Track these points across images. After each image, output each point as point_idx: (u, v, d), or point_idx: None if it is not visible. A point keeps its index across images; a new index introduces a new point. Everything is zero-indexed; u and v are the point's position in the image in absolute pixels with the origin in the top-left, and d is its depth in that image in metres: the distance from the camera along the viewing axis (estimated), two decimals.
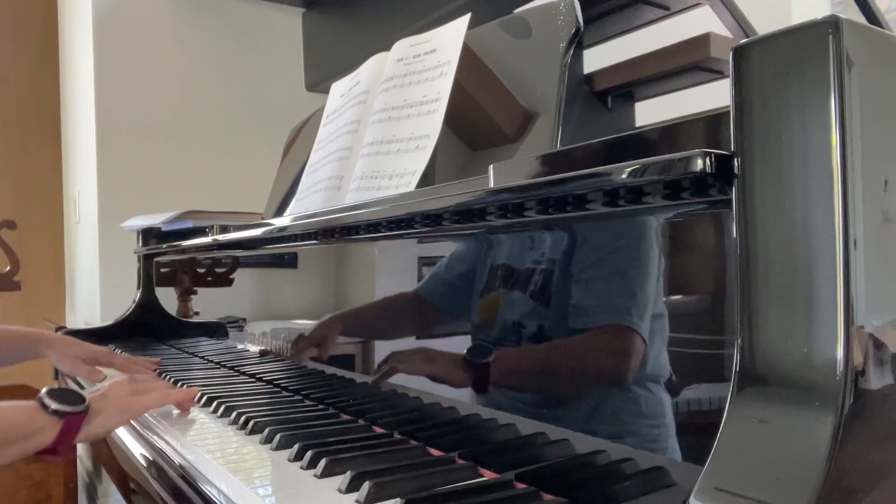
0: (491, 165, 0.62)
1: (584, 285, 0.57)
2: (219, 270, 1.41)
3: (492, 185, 0.61)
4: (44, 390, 0.78)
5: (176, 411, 0.90)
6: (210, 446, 0.75)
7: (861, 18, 1.09)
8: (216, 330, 1.41)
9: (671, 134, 0.48)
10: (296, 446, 0.69)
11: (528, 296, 0.62)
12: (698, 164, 0.42)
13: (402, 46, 0.99)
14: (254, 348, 1.21)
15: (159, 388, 0.90)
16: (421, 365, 0.77)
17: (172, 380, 1.12)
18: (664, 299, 0.50)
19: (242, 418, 0.82)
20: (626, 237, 0.53)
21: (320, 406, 0.91)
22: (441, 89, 0.88)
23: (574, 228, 0.58)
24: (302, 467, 0.65)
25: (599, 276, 0.56)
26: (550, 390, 0.60)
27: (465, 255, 0.71)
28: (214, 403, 0.91)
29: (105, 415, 0.81)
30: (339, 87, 1.18)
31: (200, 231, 1.39)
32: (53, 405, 0.76)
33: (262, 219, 1.30)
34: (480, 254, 0.68)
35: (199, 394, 0.96)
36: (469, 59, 0.89)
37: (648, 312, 0.51)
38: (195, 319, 1.55)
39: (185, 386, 1.05)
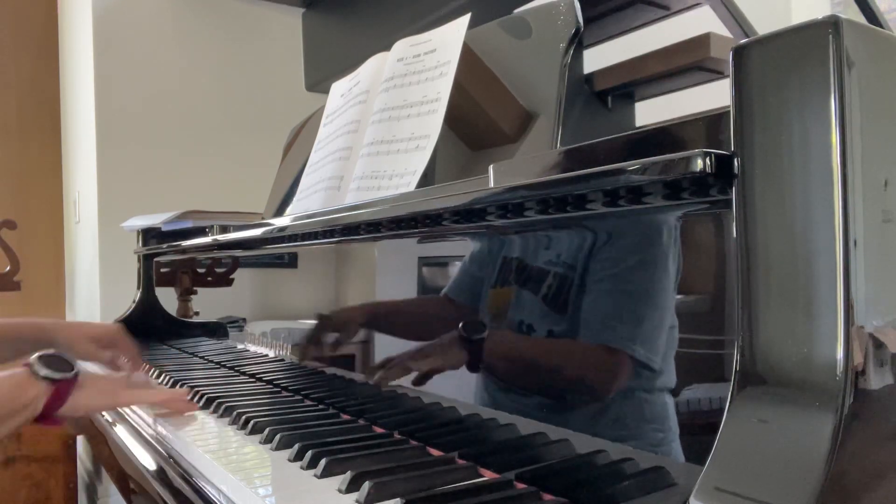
0: (491, 165, 0.62)
1: (591, 293, 0.56)
2: (219, 270, 1.41)
3: (492, 185, 0.61)
4: (34, 356, 0.78)
5: None
6: (210, 446, 0.75)
7: (861, 18, 1.09)
8: (216, 330, 1.41)
9: (671, 134, 0.48)
10: (296, 446, 0.69)
11: (531, 297, 0.62)
12: (698, 164, 0.42)
13: (402, 46, 0.99)
14: (254, 348, 1.21)
15: (151, 389, 0.90)
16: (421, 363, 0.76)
17: (173, 380, 1.12)
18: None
19: (242, 418, 0.82)
20: (629, 241, 0.53)
21: (320, 406, 0.90)
22: (441, 89, 0.88)
23: (574, 229, 0.58)
24: (302, 467, 0.65)
25: (606, 285, 0.55)
26: (554, 393, 0.60)
27: (471, 256, 0.70)
28: (214, 403, 0.91)
29: (92, 391, 0.81)
30: (339, 87, 1.18)
31: (200, 231, 1.39)
32: (43, 371, 0.77)
33: (262, 219, 1.30)
34: (485, 255, 0.68)
35: (190, 394, 0.95)
36: (469, 59, 0.89)
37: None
38: (195, 319, 1.55)
39: (184, 386, 1.05)
